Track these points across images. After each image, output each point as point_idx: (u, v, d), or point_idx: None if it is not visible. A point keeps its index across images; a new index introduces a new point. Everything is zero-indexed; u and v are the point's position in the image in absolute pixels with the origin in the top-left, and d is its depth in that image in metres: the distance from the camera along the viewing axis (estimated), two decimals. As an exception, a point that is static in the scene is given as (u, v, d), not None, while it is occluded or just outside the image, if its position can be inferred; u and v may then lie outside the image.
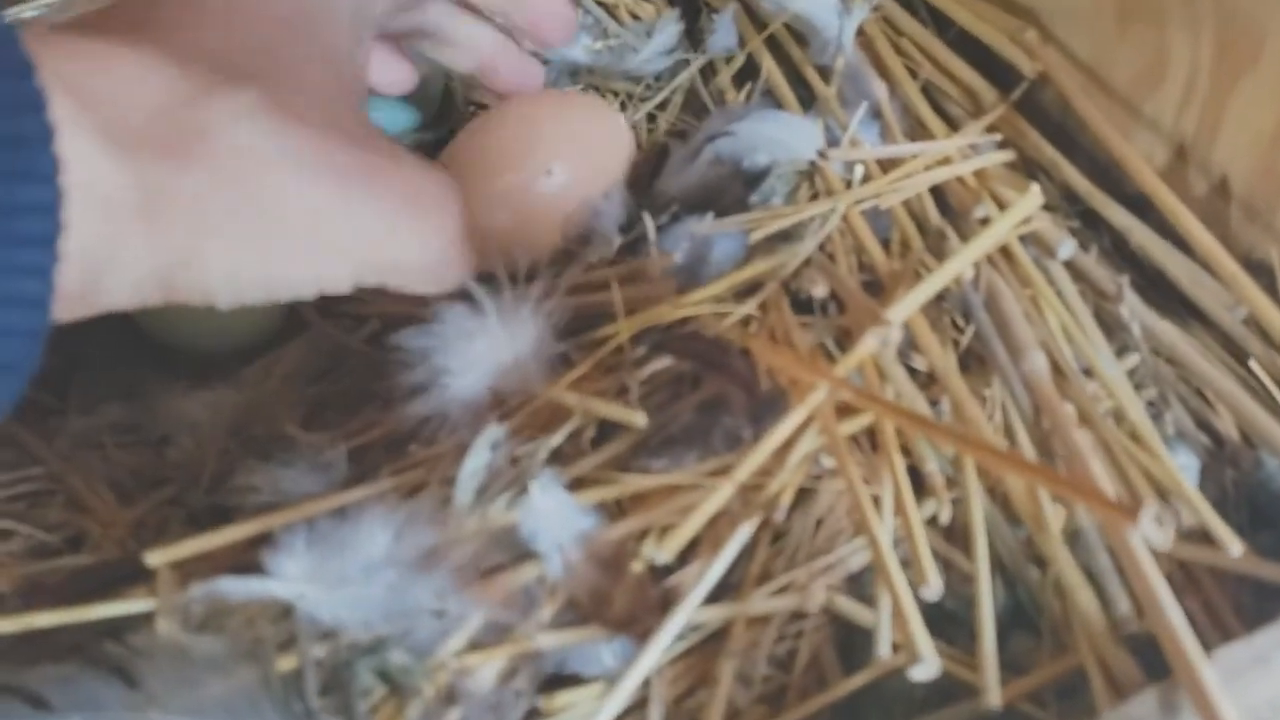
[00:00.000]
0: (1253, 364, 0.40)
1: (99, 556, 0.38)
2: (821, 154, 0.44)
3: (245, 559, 0.35)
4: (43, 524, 0.41)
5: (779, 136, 0.44)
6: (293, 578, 0.32)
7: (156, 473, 0.43)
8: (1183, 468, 0.40)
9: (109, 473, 0.43)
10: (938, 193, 0.46)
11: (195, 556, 0.35)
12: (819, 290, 0.40)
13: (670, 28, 0.55)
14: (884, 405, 0.35)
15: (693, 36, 0.56)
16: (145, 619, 0.34)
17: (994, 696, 0.32)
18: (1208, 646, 0.29)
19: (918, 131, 0.48)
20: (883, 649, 0.32)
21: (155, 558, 0.34)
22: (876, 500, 0.36)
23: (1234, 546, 0.34)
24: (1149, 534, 0.28)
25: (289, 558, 0.33)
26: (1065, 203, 0.47)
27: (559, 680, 0.34)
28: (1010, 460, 0.35)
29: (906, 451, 0.38)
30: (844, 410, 0.38)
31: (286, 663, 0.32)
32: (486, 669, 0.33)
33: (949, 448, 0.37)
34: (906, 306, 0.38)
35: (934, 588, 0.32)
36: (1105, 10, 0.44)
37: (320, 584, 0.32)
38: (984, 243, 0.41)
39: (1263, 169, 0.40)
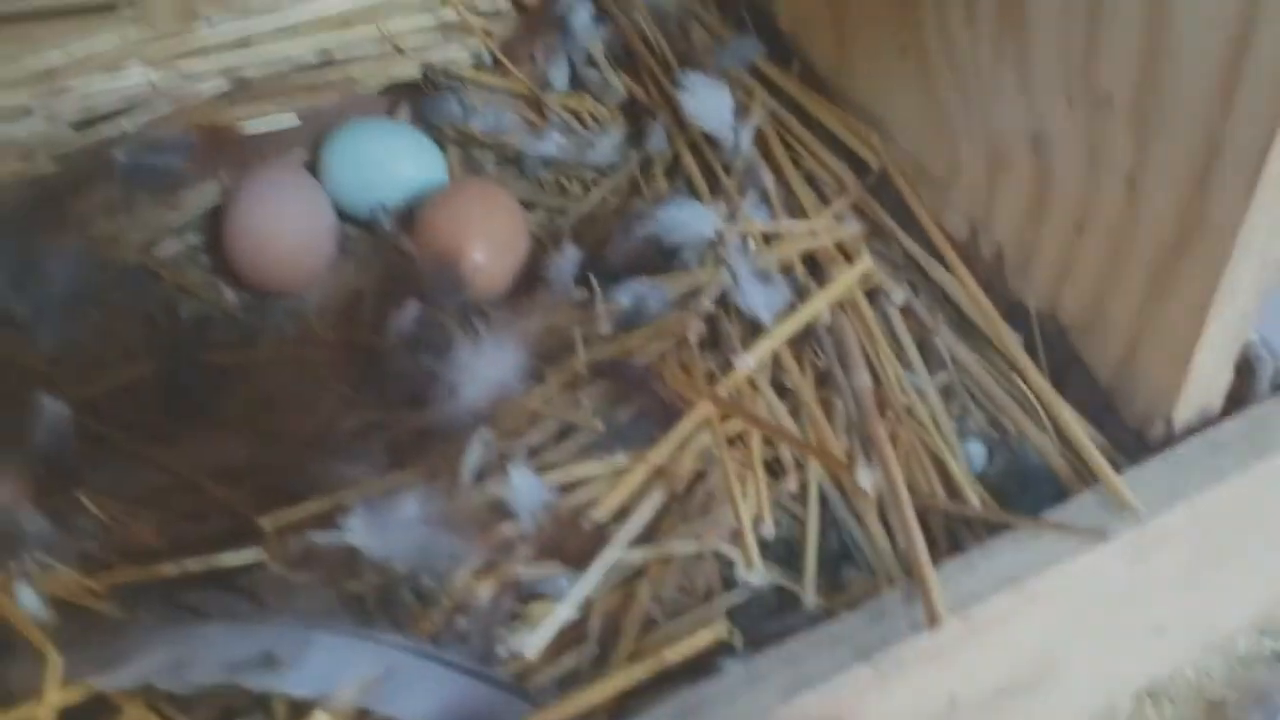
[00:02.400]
0: (1017, 380, 0.58)
1: (216, 526, 0.56)
2: (718, 232, 0.62)
3: (325, 523, 0.52)
4: (171, 506, 0.59)
5: (689, 220, 0.62)
6: (357, 531, 0.50)
7: (249, 469, 0.60)
8: (974, 454, 0.58)
9: (213, 470, 0.60)
10: (809, 257, 0.64)
11: (291, 522, 0.52)
12: (692, 329, 0.58)
13: (618, 131, 0.73)
14: (743, 412, 0.53)
15: (636, 138, 0.74)
16: (258, 564, 0.51)
17: (810, 599, 0.49)
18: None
19: (797, 211, 0.66)
20: (740, 571, 0.49)
21: (267, 522, 0.52)
22: (743, 480, 0.53)
23: (974, 500, 0.51)
24: (862, 480, 0.45)
25: (355, 519, 0.50)
26: (905, 261, 0.64)
27: (532, 596, 0.51)
28: (792, 439, 0.52)
29: (772, 444, 0.56)
30: (727, 419, 0.55)
31: (354, 587, 0.50)
32: (484, 590, 0.50)
33: (777, 440, 0.54)
34: (766, 344, 0.56)
35: (768, 527, 0.49)
36: (923, 123, 0.62)
37: (375, 535, 0.50)
38: (830, 293, 0.59)
39: (1020, 241, 0.57)
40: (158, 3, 0.78)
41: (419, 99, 0.78)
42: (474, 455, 0.54)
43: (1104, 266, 0.52)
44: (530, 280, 0.69)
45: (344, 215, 0.73)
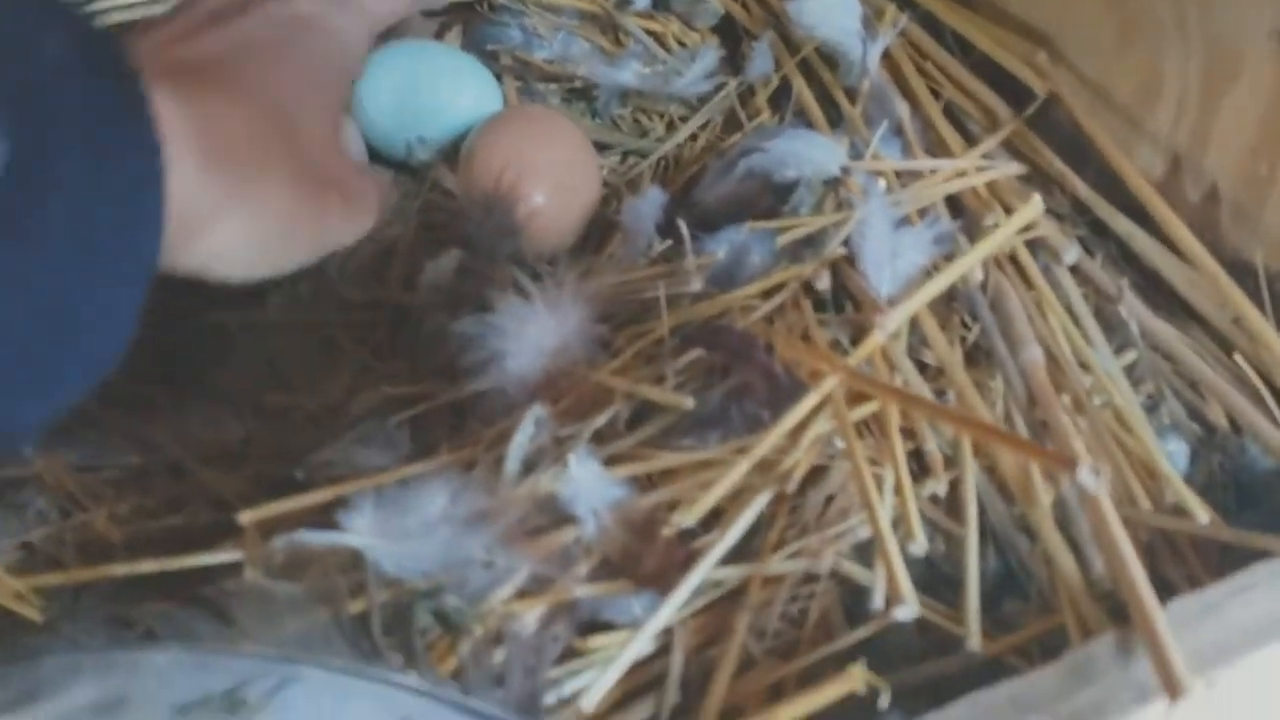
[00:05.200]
0: (1238, 358, 0.44)
1: (196, 518, 0.44)
2: (844, 169, 0.49)
3: (322, 520, 0.40)
4: (148, 491, 0.47)
5: (806, 153, 0.49)
6: (361, 532, 0.37)
7: (244, 451, 0.48)
8: (1173, 454, 0.44)
9: (202, 450, 0.49)
10: (953, 203, 0.50)
11: (279, 517, 0.40)
12: (822, 283, 0.44)
13: (711, 54, 0.60)
14: (884, 388, 0.39)
15: (733, 62, 0.61)
16: (235, 569, 0.39)
17: (975, 642, 0.35)
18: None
19: (937, 148, 0.52)
20: (878, 601, 0.36)
21: (246, 516, 0.39)
22: (878, 478, 0.40)
23: (1201, 515, 0.37)
24: (1085, 481, 0.31)
25: (358, 515, 0.37)
26: (1074, 212, 0.51)
27: (593, 626, 0.38)
28: (976, 424, 0.39)
29: (911, 434, 0.43)
30: (855, 400, 0.42)
31: (356, 605, 0.37)
32: (529, 615, 0.38)
33: (942, 425, 0.41)
34: (906, 306, 0.43)
35: (920, 544, 0.36)
36: (1107, 34, 0.48)
37: (385, 537, 0.37)
38: (986, 246, 0.45)
39: (1247, 176, 0.43)
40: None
41: (472, 21, 0.66)
42: (523, 439, 0.41)
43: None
44: (602, 231, 0.57)
45: (376, 154, 0.60)
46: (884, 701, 0.33)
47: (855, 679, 0.33)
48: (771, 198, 0.50)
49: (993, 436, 0.38)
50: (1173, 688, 0.30)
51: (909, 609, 0.34)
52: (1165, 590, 0.37)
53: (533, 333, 0.43)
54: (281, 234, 0.40)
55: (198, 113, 0.35)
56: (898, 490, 0.39)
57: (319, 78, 0.43)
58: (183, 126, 0.34)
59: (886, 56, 0.55)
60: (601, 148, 0.62)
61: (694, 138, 0.60)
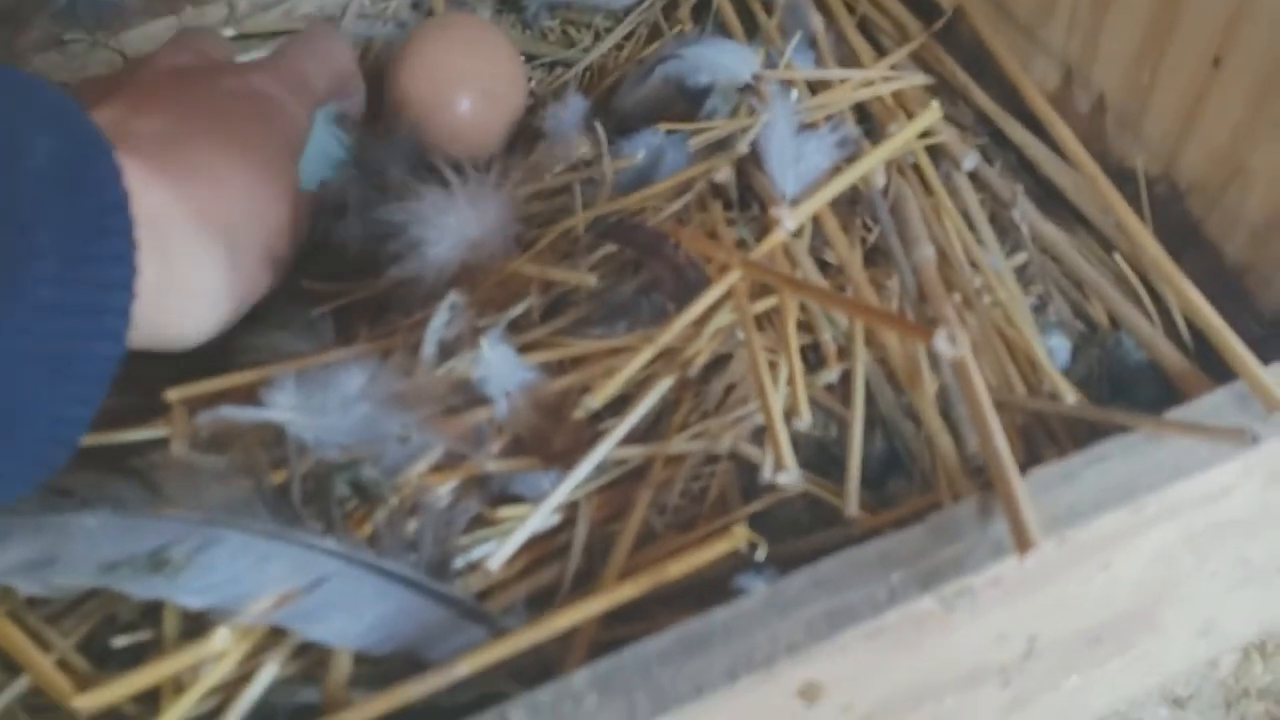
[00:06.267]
0: (1118, 258, 0.46)
1: (126, 399, 0.45)
2: (756, 76, 0.51)
3: (246, 399, 0.42)
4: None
5: (720, 60, 0.51)
6: (283, 408, 0.39)
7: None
8: (1055, 348, 0.46)
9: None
10: (861, 112, 0.52)
11: (205, 395, 0.42)
12: (721, 176, 0.46)
13: (637, -33, 0.61)
14: (780, 278, 0.42)
15: (659, -27, 0.63)
16: (164, 444, 0.41)
17: (852, 509, 0.38)
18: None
19: (850, 59, 0.54)
20: (766, 473, 0.39)
21: (173, 394, 0.41)
22: (774, 365, 0.42)
23: (1069, 397, 0.40)
24: (941, 348, 0.34)
25: (281, 393, 0.39)
26: (976, 122, 0.53)
27: (505, 499, 0.41)
28: (855, 305, 0.41)
29: (810, 328, 0.45)
30: (757, 295, 0.44)
31: (277, 477, 0.39)
32: (442, 488, 0.40)
33: (836, 316, 0.43)
34: (808, 205, 0.45)
35: (805, 420, 0.39)
36: (1009, -50, 0.50)
37: (305, 413, 0.39)
38: (885, 150, 0.47)
39: (1130, 85, 0.46)
40: None
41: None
42: (439, 324, 0.43)
43: (1249, 106, 0.41)
44: (528, 138, 0.58)
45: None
46: (760, 554, 0.35)
47: (738, 537, 0.36)
48: (687, 103, 0.52)
49: (867, 314, 0.40)
50: (1024, 543, 0.33)
51: (791, 474, 0.37)
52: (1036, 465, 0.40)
53: (453, 222, 0.45)
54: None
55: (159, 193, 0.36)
56: (790, 379, 0.41)
57: (275, 157, 0.43)
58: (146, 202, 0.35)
59: (805, -30, 0.57)
60: (530, 58, 0.63)
61: (619, 48, 0.61)
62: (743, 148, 0.48)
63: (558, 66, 0.63)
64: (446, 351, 0.43)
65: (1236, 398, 0.37)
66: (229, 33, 0.65)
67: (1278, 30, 0.39)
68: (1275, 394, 0.36)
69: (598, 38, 0.63)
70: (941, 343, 0.34)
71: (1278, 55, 0.39)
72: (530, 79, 0.62)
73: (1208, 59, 0.41)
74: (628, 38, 0.61)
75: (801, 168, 0.48)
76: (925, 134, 0.49)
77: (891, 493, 0.42)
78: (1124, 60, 0.46)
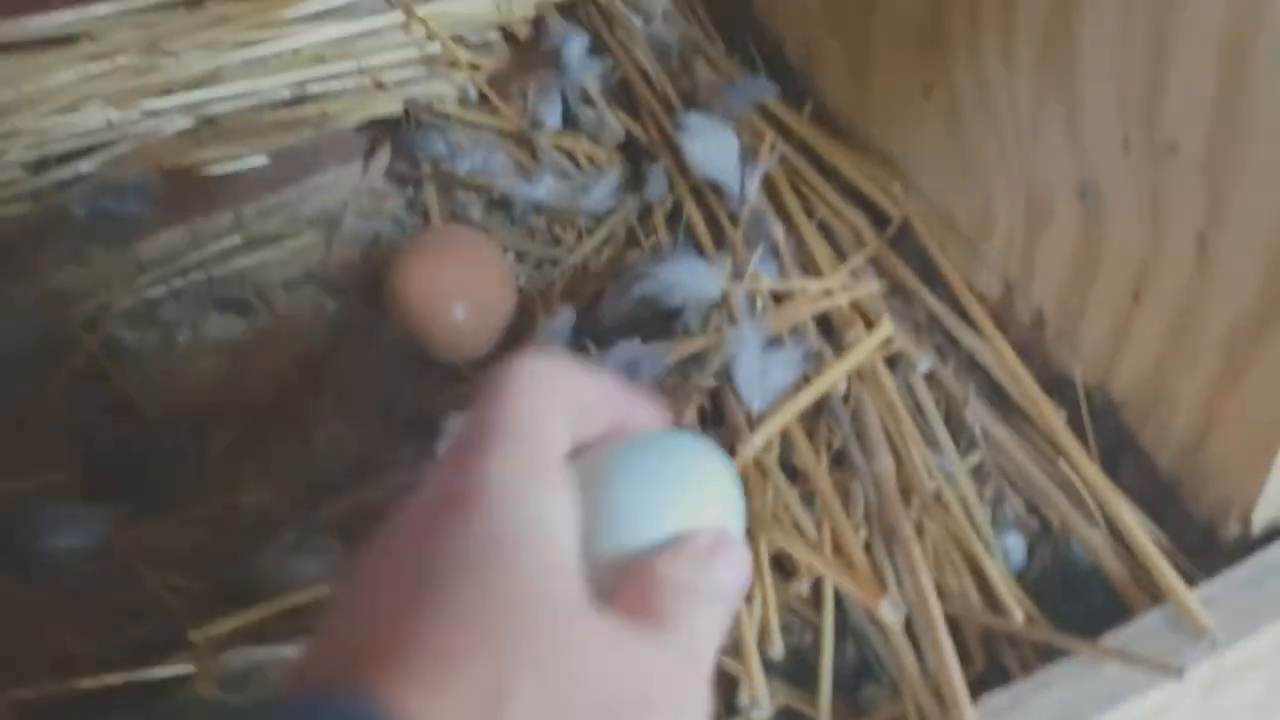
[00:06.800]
0: (1061, 464, 0.50)
1: (154, 627, 0.49)
2: (724, 293, 0.55)
3: (268, 631, 0.45)
4: (110, 599, 0.52)
5: (690, 281, 0.55)
6: (301, 644, 0.43)
7: (200, 560, 0.53)
8: (1011, 548, 0.50)
9: (157, 558, 0.54)
10: (822, 316, 0.57)
11: (224, 634, 0.45)
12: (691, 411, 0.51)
13: (614, 175, 0.66)
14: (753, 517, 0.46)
15: (636, 176, 0.68)
16: (190, 679, 0.45)
17: (824, 723, 0.42)
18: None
19: (810, 263, 0.59)
20: (743, 701, 0.42)
21: (197, 635, 0.45)
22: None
23: (1018, 615, 0.44)
24: (886, 616, 0.38)
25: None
26: (930, 322, 0.57)
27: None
28: (808, 553, 0.46)
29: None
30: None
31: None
32: None
33: (793, 550, 0.47)
34: (775, 421, 0.49)
35: (776, 646, 0.42)
36: (950, 170, 0.55)
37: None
38: (844, 366, 0.52)
39: (1064, 306, 0.50)
40: (118, 36, 0.73)
41: (400, 137, 0.71)
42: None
43: (1167, 339, 0.45)
44: (517, 340, 0.63)
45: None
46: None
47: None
48: (662, 320, 0.56)
49: (825, 567, 0.44)
50: (974, 771, 0.37)
51: (762, 709, 0.40)
52: (998, 672, 0.44)
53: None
54: None
55: None
56: (764, 603, 0.45)
57: None
58: None
59: (767, 178, 0.61)
60: (518, 254, 0.68)
61: (599, 250, 0.66)
62: (710, 380, 0.52)
63: (544, 264, 0.68)
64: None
65: (1171, 619, 0.41)
66: (235, 240, 0.70)
67: (1184, 275, 0.43)
68: (1201, 619, 0.40)
69: (580, 236, 0.67)
70: (886, 608, 0.37)
71: (1187, 299, 0.43)
72: (518, 275, 0.67)
73: (1129, 293, 0.46)
74: (607, 240, 0.66)
75: (768, 382, 0.52)
76: (882, 343, 0.54)
77: (866, 699, 0.46)
78: (1057, 283, 0.50)
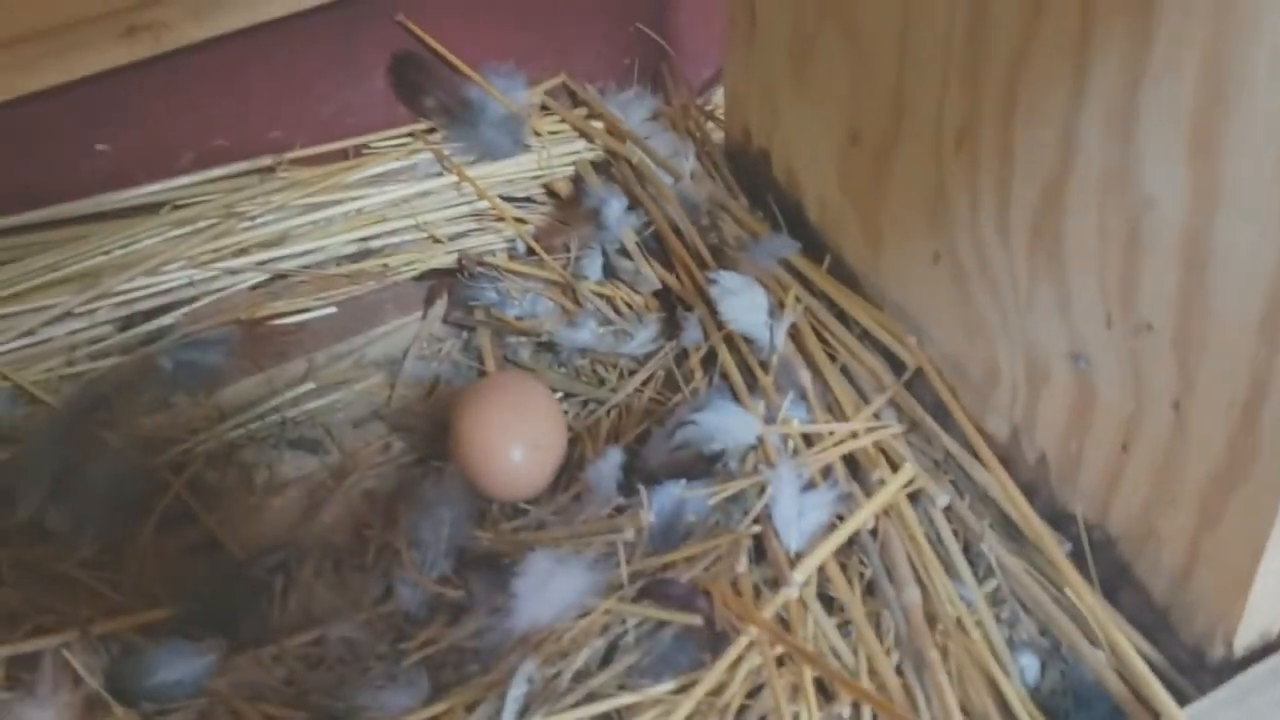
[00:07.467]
0: (1067, 590, 0.56)
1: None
2: (760, 438, 0.62)
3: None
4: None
5: (728, 427, 0.62)
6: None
7: (295, 692, 0.59)
8: (1026, 666, 0.56)
9: (259, 692, 0.60)
10: (849, 456, 0.63)
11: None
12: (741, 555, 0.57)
13: (653, 323, 0.74)
14: (793, 646, 0.52)
15: (672, 321, 0.75)
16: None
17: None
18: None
19: (835, 405, 0.66)
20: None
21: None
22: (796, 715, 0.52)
23: (1033, 730, 0.50)
24: None
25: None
26: (947, 459, 0.64)
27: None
28: (850, 685, 0.52)
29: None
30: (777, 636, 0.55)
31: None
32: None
33: (831, 681, 0.53)
34: (813, 560, 0.55)
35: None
36: (959, 328, 0.62)
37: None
38: (872, 506, 0.58)
39: (1063, 452, 0.57)
40: (198, 203, 0.81)
41: (456, 287, 0.79)
42: (518, 693, 0.53)
43: (1153, 485, 0.51)
44: (569, 477, 0.69)
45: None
46: None
47: None
48: (703, 462, 0.63)
49: (861, 695, 0.51)
50: None
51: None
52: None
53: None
54: None
55: None
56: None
57: None
58: None
59: (793, 327, 0.68)
60: (566, 395, 0.75)
61: (640, 389, 0.73)
62: (751, 521, 0.58)
63: (590, 403, 0.74)
64: (523, 710, 0.53)
65: (1167, 737, 0.47)
66: (308, 385, 0.77)
67: (1164, 433, 0.50)
68: (1191, 739, 0.46)
69: (622, 376, 0.74)
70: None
71: (1167, 453, 0.50)
72: (567, 413, 0.73)
73: (1118, 444, 0.52)
74: (647, 382, 0.73)
75: (804, 523, 0.58)
76: (905, 484, 0.60)
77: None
78: (1056, 431, 0.57)
